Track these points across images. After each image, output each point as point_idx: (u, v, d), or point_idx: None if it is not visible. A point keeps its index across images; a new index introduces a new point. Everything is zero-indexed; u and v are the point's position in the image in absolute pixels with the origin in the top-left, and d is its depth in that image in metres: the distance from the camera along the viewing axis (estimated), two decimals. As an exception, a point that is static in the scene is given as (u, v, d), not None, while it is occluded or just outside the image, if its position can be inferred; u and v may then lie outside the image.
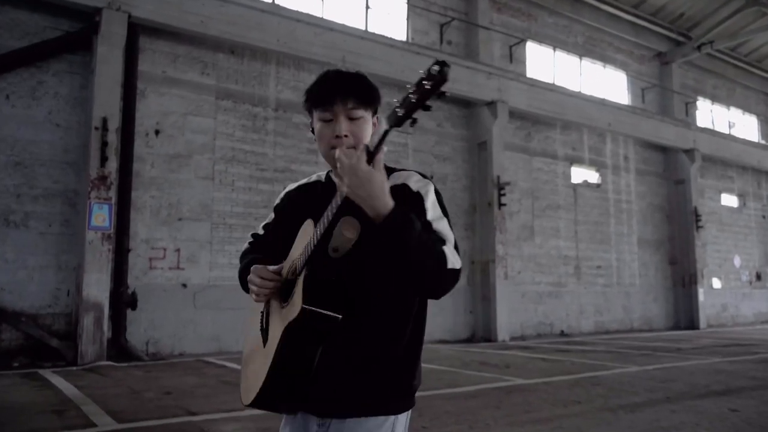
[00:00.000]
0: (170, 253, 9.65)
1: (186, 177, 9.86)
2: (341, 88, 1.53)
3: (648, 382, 6.85)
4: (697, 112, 18.59)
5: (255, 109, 10.65)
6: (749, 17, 17.08)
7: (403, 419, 1.53)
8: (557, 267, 14.47)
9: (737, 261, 19.32)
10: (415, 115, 1.26)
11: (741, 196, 19.76)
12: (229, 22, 9.81)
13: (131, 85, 9.23)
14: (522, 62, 14.49)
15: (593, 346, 11.28)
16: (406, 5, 12.79)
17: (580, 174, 15.44)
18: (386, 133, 1.32)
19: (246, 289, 1.67)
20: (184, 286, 9.67)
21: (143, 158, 9.47)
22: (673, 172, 17.23)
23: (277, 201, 1.79)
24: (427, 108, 1.24)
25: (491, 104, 12.87)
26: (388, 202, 1.34)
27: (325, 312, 1.42)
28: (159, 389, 6.17)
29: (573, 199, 15.00)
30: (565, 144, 15.07)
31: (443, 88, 1.21)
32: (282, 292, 1.56)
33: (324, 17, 10.93)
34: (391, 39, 11.73)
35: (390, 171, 1.58)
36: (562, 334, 14.12)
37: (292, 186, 1.78)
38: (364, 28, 11.89)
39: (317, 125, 1.57)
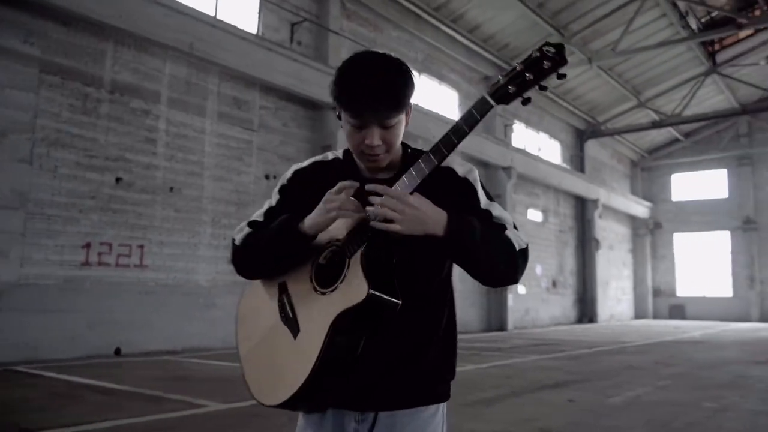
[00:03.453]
0: (-30, 245, 8.27)
1: (-2, 158, 8.53)
2: (374, 100, 1.34)
3: (490, 379, 7.37)
4: (513, 134, 20.54)
5: (86, 89, 9.56)
6: (559, 54, 19.30)
7: (445, 406, 1.52)
8: (391, 271, 14.96)
9: (539, 270, 21.66)
10: (527, 94, 1.23)
11: (544, 212, 22.21)
12: (66, -12, 8.71)
13: (-67, 45, 7.78)
14: (367, 71, 14.82)
15: (426, 347, 11.84)
16: (258, -2, 12.42)
17: (414, 183, 16.19)
18: (490, 107, 1.27)
19: (264, 256, 1.46)
20: (-12, 284, 8.34)
21: (-57, 132, 8.02)
22: (493, 187, 18.81)
23: (284, 181, 1.58)
24: (544, 88, 1.22)
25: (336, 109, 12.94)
26: (441, 219, 1.30)
27: (388, 298, 1.31)
28: (-27, 404, 5.23)
29: (407, 206, 15.65)
30: (403, 154, 15.70)
31: (562, 71, 1.20)
32: (317, 276, 1.41)
33: (172, -2, 10.17)
34: (243, 31, 11.29)
35: (414, 152, 1.51)
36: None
37: (300, 165, 1.60)
38: (213, 15, 11.31)
39: (346, 126, 1.42)
